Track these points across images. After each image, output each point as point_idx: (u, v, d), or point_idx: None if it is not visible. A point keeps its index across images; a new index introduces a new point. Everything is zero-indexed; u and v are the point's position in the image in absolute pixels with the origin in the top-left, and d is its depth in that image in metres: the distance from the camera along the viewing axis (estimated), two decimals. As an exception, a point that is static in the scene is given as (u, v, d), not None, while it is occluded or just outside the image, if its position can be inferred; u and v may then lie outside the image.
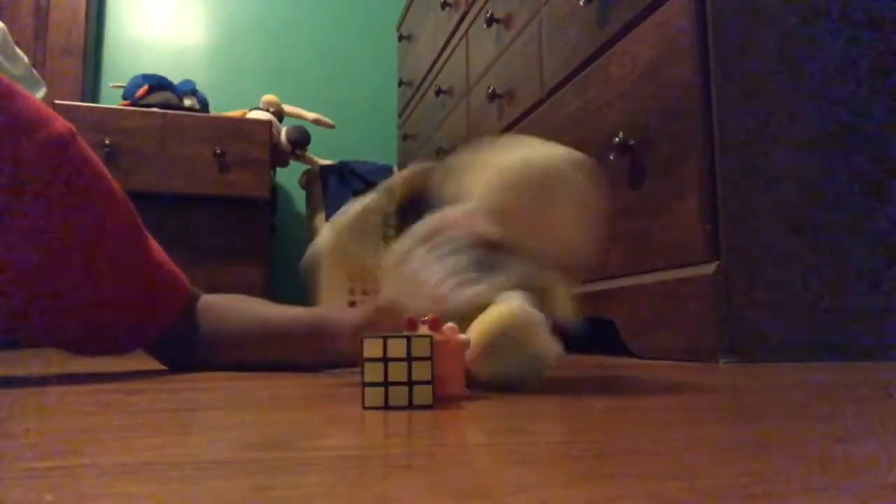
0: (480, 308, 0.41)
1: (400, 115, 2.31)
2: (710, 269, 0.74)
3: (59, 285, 0.56)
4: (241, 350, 0.66)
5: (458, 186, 0.47)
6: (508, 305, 0.40)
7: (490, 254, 0.44)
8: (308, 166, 2.31)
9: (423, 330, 0.37)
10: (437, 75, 1.88)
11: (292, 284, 2.47)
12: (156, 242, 0.67)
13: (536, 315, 0.40)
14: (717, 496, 0.16)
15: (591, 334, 1.13)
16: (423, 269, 0.44)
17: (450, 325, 0.37)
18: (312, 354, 0.64)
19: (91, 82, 2.42)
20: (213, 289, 2.18)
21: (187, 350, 0.67)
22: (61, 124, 0.56)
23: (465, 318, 0.41)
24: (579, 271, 0.47)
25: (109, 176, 0.61)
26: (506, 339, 0.39)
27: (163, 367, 0.70)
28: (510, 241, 0.45)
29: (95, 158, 0.59)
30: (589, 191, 0.44)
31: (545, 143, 0.46)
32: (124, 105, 2.02)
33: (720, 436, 0.25)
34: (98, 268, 0.58)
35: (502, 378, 0.41)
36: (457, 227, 0.45)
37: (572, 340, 1.18)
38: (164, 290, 0.66)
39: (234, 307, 0.68)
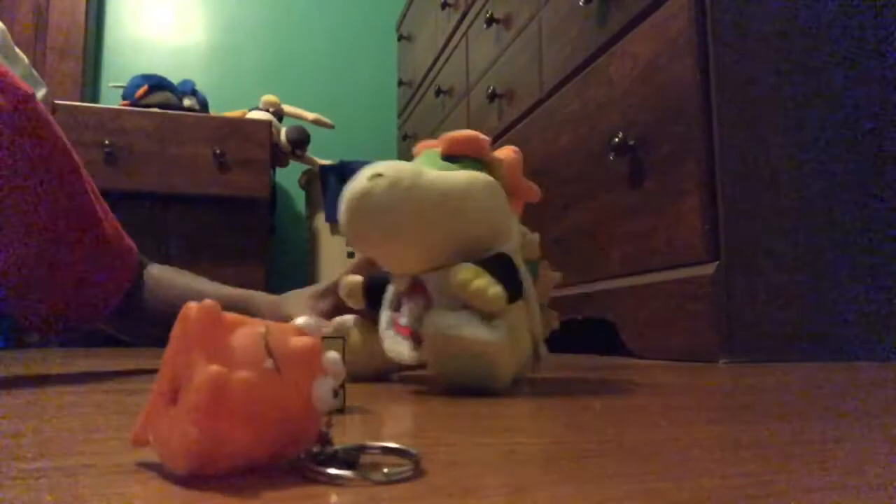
0: None
1: (400, 115, 2.30)
2: (710, 269, 0.74)
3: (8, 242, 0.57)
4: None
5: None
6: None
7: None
8: (308, 166, 2.31)
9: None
10: (436, 75, 1.88)
11: (292, 284, 2.47)
12: (108, 211, 0.68)
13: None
14: (717, 496, 0.16)
15: (591, 334, 1.13)
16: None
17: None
18: None
19: (91, 82, 2.41)
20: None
21: (140, 324, 0.69)
22: (25, 85, 0.58)
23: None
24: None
25: (66, 139, 0.62)
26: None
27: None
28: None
29: (54, 122, 0.61)
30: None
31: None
32: (124, 105, 2.02)
33: (720, 436, 0.25)
34: (45, 227, 0.59)
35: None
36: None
37: (572, 341, 1.18)
38: (114, 265, 0.66)
39: (174, 282, 0.70)
